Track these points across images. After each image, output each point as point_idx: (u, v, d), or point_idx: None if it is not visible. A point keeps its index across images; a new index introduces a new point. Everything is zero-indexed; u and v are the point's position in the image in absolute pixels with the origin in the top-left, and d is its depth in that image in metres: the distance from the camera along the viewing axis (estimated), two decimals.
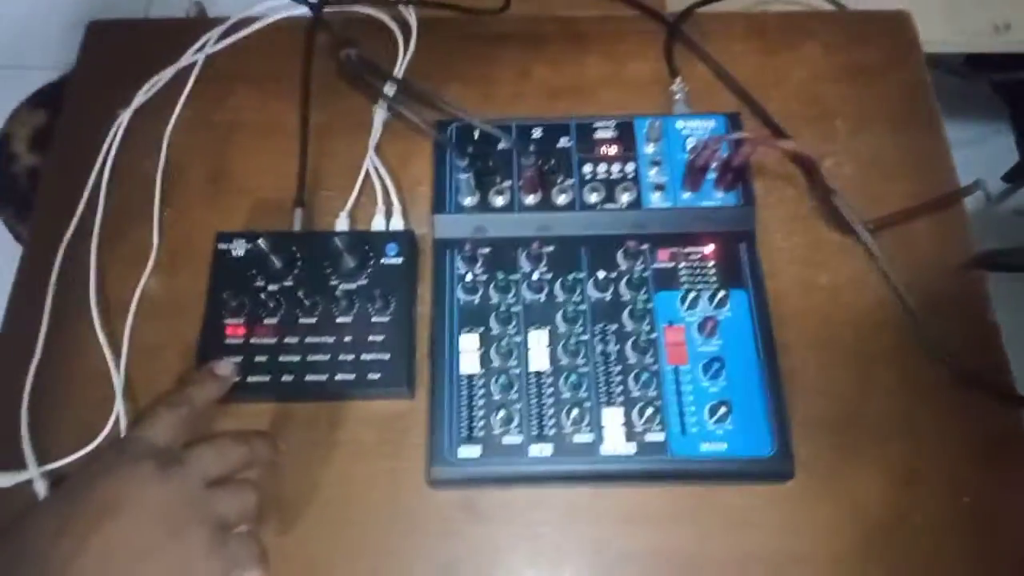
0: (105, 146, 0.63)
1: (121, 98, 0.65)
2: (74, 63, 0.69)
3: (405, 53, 0.66)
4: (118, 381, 0.55)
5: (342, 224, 0.59)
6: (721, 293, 0.53)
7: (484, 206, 0.56)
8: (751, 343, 0.53)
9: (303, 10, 0.68)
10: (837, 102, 0.65)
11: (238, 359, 0.52)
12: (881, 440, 0.53)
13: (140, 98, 0.65)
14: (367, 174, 0.61)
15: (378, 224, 0.59)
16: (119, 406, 0.54)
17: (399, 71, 0.66)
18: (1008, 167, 1.43)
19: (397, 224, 0.59)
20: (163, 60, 0.66)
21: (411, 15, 0.68)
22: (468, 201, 0.56)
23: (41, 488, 0.52)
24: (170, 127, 0.64)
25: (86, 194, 0.61)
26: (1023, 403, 0.53)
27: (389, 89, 0.63)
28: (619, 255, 0.55)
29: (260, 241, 0.55)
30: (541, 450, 0.50)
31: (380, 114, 0.63)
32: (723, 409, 0.49)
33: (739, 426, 0.50)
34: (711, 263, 0.55)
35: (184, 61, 0.66)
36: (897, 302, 0.57)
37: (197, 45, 0.67)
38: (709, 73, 0.66)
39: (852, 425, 0.54)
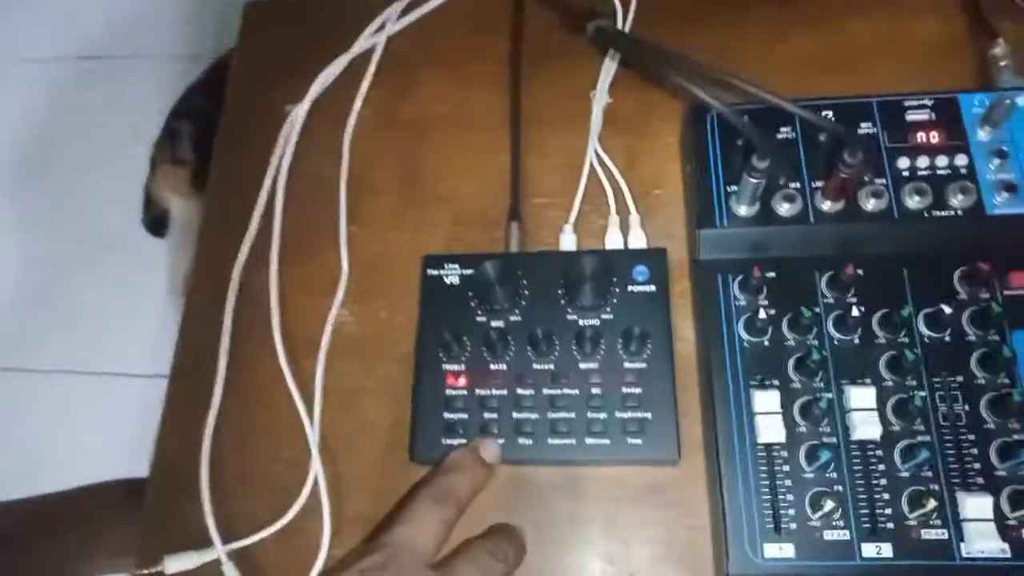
0: (279, 150, 0.53)
1: (290, 92, 0.55)
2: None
3: (624, 19, 0.54)
4: (312, 435, 0.45)
5: (568, 241, 0.47)
6: None
7: (767, 217, 0.43)
8: None
9: None
10: None
11: (500, 440, 0.42)
12: None
13: (314, 91, 0.55)
14: (589, 176, 0.50)
15: (614, 241, 0.47)
16: (316, 467, 0.45)
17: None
18: None
19: (637, 240, 0.47)
20: (336, 45, 0.56)
21: None
22: (745, 211, 0.43)
23: (231, 571, 0.43)
24: (351, 125, 0.54)
25: (259, 208, 0.52)
26: None
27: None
28: (956, 279, 0.41)
29: (486, 266, 0.44)
30: (878, 549, 0.37)
31: (602, 98, 0.51)
32: None
33: None
34: None
35: (361, 45, 0.56)
36: None
37: (375, 25, 0.57)
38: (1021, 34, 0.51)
39: None
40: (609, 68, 0.52)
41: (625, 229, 0.47)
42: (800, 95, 0.45)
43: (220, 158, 0.56)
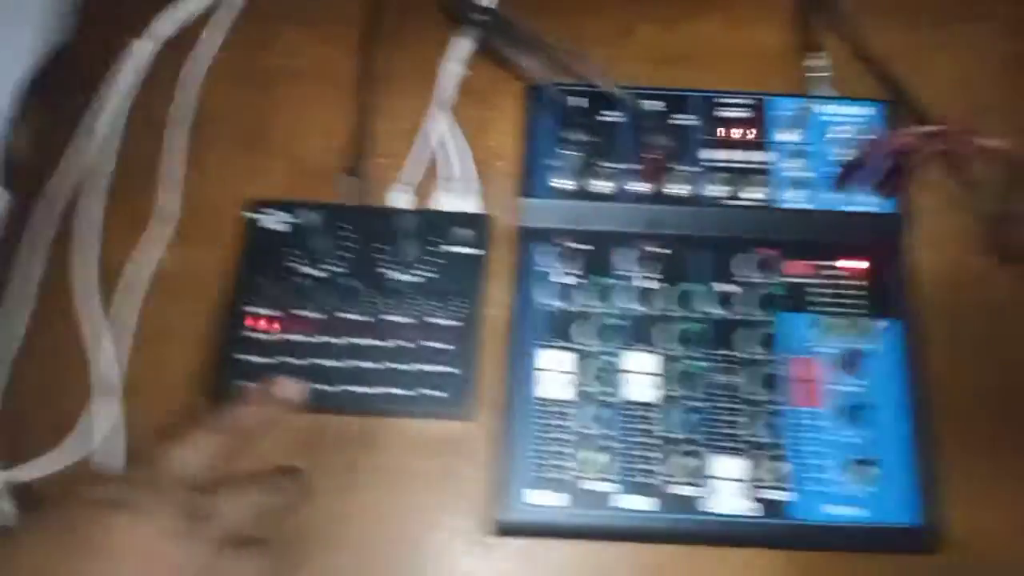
0: (120, 85, 0.52)
1: (142, 26, 0.54)
2: None
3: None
4: (114, 374, 0.45)
5: (400, 199, 0.48)
6: (868, 321, 0.42)
7: (584, 192, 0.46)
8: (901, 384, 0.42)
9: None
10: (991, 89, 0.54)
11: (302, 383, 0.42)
12: None
13: (165, 29, 0.54)
14: (434, 142, 0.51)
15: (447, 203, 0.49)
16: (114, 406, 0.44)
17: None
18: None
19: (472, 205, 0.48)
20: None
21: None
22: (565, 184, 0.46)
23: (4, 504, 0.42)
24: (204, 70, 0.53)
25: (97, 141, 0.51)
26: None
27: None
28: (746, 263, 0.45)
29: (307, 213, 0.44)
30: (636, 502, 0.40)
31: (453, 67, 0.53)
32: (861, 465, 0.40)
33: (880, 486, 0.40)
34: (856, 282, 0.45)
35: None
36: None
37: None
38: (845, 51, 0.55)
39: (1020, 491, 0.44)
40: (462, 38, 0.54)
41: (460, 194, 0.49)
42: (638, 84, 0.49)
43: (58, 87, 0.54)
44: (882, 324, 0.43)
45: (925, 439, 0.41)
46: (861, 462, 0.40)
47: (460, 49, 0.53)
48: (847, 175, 0.44)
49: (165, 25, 0.54)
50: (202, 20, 0.55)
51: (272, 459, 0.42)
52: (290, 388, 0.41)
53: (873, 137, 0.41)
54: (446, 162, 0.50)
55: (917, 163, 0.42)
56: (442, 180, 0.50)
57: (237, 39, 0.55)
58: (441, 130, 0.51)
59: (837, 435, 0.41)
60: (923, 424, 0.42)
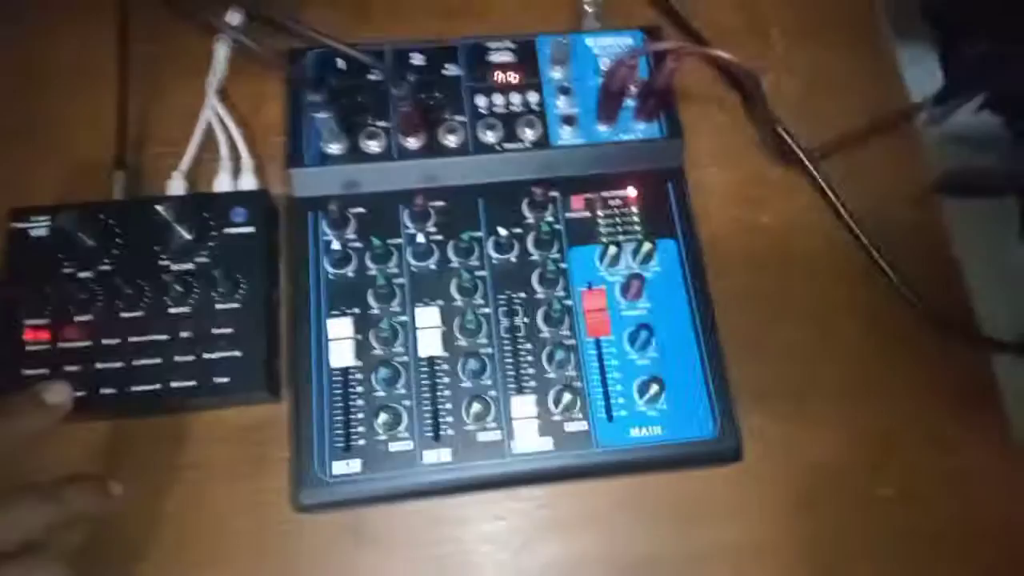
0: None
1: None
2: None
3: None
4: None
5: (176, 188, 0.47)
6: (647, 245, 0.43)
7: (355, 155, 0.45)
8: (684, 303, 0.44)
9: None
10: (772, 9, 0.55)
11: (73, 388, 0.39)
12: (844, 403, 0.46)
13: None
14: (209, 124, 0.49)
15: (223, 185, 0.47)
16: None
17: None
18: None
19: (247, 183, 0.47)
20: None
21: None
22: (334, 149, 0.45)
23: None
24: None
25: None
26: (996, 347, 0.46)
27: (230, 15, 0.50)
28: (524, 206, 0.45)
29: (65, 215, 0.42)
30: (438, 455, 0.40)
31: (222, 47, 0.51)
32: (654, 386, 0.40)
33: (675, 404, 0.42)
34: (633, 209, 0.45)
35: None
36: (852, 241, 0.49)
37: None
38: None
39: (809, 389, 0.46)
40: (233, 14, 0.52)
41: (236, 174, 0.47)
42: (419, 38, 0.48)
43: None
44: (659, 246, 0.44)
45: (710, 353, 0.43)
46: (651, 382, 0.41)
47: (231, 25, 0.51)
48: (603, 106, 0.44)
49: None
50: None
51: (79, 468, 0.41)
52: (56, 390, 0.39)
53: (617, 63, 0.41)
54: (220, 143, 0.48)
55: (668, 84, 0.43)
56: (222, 162, 0.48)
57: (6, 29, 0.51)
58: (209, 112, 0.49)
59: (626, 360, 0.42)
60: (707, 339, 0.43)
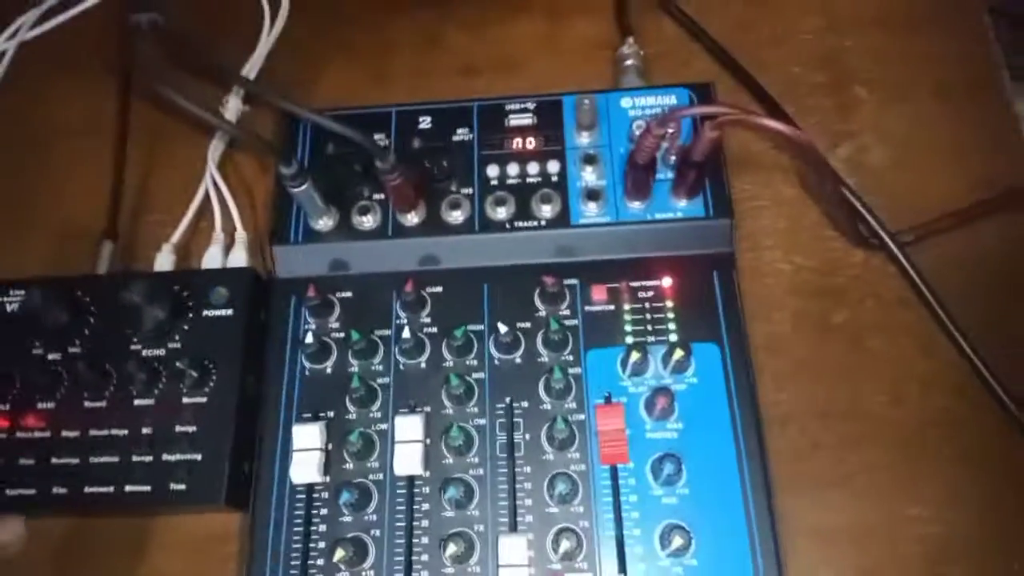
0: None
1: None
2: None
3: (273, 22, 0.50)
4: None
5: (164, 262, 0.43)
6: (679, 352, 0.35)
7: (345, 231, 0.39)
8: (726, 425, 0.35)
9: None
10: (861, 62, 0.46)
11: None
12: (938, 559, 0.35)
13: None
14: (207, 193, 0.45)
15: (213, 260, 0.43)
16: None
17: (263, 48, 0.49)
18: None
19: (238, 260, 0.43)
20: None
21: None
22: (322, 224, 0.39)
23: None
24: None
25: None
26: None
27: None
28: (536, 296, 0.38)
29: (34, 291, 0.39)
30: None
31: (231, 110, 0.47)
32: (679, 539, 0.32)
33: (708, 561, 0.33)
34: (668, 303, 0.37)
35: None
36: (951, 347, 0.38)
37: (9, 31, 0.52)
38: (679, 32, 0.48)
39: (889, 540, 0.36)
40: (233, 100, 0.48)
41: (228, 250, 0.43)
42: (450, 96, 0.43)
43: None
44: (697, 351, 0.36)
45: (757, 493, 0.34)
46: (677, 530, 0.32)
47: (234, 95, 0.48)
48: (631, 181, 0.37)
49: None
50: None
51: (37, 563, 0.38)
52: (6, 527, 0.35)
53: (645, 127, 0.34)
54: (215, 216, 0.44)
55: (709, 155, 0.35)
56: (215, 235, 0.44)
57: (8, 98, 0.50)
58: (207, 180, 0.45)
59: (648, 497, 0.34)
60: (754, 473, 0.34)
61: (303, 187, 0.36)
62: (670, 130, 0.34)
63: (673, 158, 0.38)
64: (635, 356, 0.35)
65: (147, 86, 0.45)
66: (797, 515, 0.36)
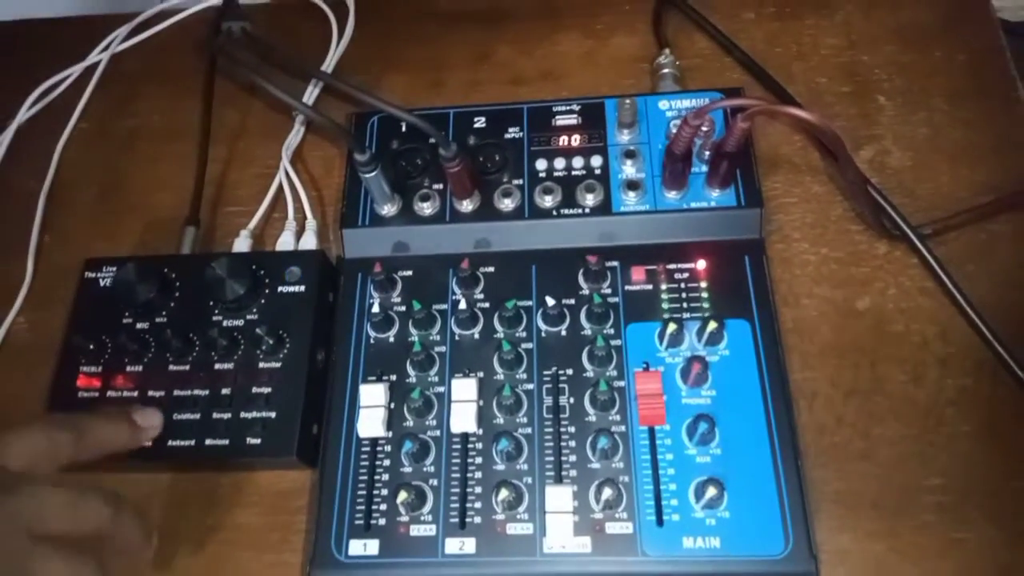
0: None
1: (13, 107, 0.56)
2: None
3: (340, 39, 0.55)
4: None
5: (241, 245, 0.47)
6: (713, 325, 0.38)
7: (407, 216, 0.44)
8: (756, 392, 0.38)
9: None
10: (881, 73, 0.50)
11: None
12: (952, 524, 0.37)
13: (32, 106, 0.55)
14: (281, 185, 0.50)
15: (286, 244, 0.47)
16: None
17: (331, 60, 0.54)
18: None
19: (308, 243, 0.47)
20: (64, 61, 0.57)
21: None
22: (386, 210, 0.44)
23: None
24: (63, 138, 0.54)
25: None
26: None
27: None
28: (579, 275, 0.42)
29: (127, 267, 0.43)
30: (461, 545, 0.36)
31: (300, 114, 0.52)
32: (713, 489, 0.35)
33: (739, 513, 0.36)
34: (702, 283, 0.41)
35: (85, 62, 0.57)
36: (970, 332, 0.41)
37: (103, 44, 0.58)
38: (712, 47, 0.52)
39: (908, 507, 0.38)
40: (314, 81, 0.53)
41: (299, 234, 0.48)
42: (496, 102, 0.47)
43: None
44: (730, 327, 0.39)
45: (786, 454, 0.37)
46: (710, 484, 0.35)
47: (311, 90, 0.53)
48: (669, 171, 0.41)
49: (33, 103, 0.55)
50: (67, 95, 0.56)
51: None
52: (148, 415, 0.39)
53: (682, 121, 0.38)
54: (288, 204, 0.49)
55: (741, 145, 0.38)
56: (287, 222, 0.48)
57: (96, 104, 0.56)
58: (281, 174, 0.50)
59: (683, 455, 0.37)
60: (783, 436, 0.37)
61: (374, 173, 0.40)
62: (704, 128, 0.38)
63: (707, 153, 0.42)
64: (672, 328, 0.39)
65: (242, 78, 0.50)
66: (822, 484, 0.38)
